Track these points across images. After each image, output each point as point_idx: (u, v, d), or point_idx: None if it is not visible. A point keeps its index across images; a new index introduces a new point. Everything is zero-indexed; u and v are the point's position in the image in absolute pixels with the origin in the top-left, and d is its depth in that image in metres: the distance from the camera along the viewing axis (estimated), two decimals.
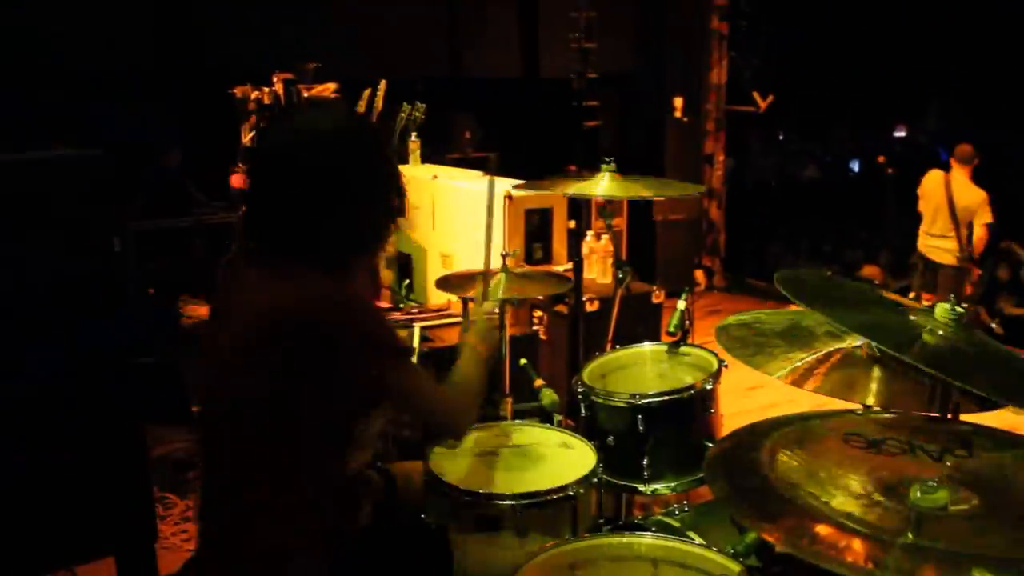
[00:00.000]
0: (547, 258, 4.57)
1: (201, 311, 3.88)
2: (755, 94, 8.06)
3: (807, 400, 2.58)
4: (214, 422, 1.71)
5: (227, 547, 1.65)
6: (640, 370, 2.77)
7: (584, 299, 3.35)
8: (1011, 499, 1.51)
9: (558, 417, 2.75)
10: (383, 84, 5.31)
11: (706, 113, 7.95)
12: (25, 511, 2.11)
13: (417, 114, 5.53)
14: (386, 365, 1.67)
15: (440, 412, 1.84)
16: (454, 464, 2.19)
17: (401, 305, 4.14)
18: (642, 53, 8.07)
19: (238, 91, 5.30)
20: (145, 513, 2.31)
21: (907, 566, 1.30)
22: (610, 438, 2.47)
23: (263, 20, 6.34)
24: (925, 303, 2.22)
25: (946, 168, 6.12)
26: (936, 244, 6.12)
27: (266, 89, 5.21)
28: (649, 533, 1.87)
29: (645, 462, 2.47)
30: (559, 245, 4.46)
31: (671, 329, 2.80)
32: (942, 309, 1.74)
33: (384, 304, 4.18)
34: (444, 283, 2.99)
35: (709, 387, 2.52)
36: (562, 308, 4.01)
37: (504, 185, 3.81)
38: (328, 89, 5.20)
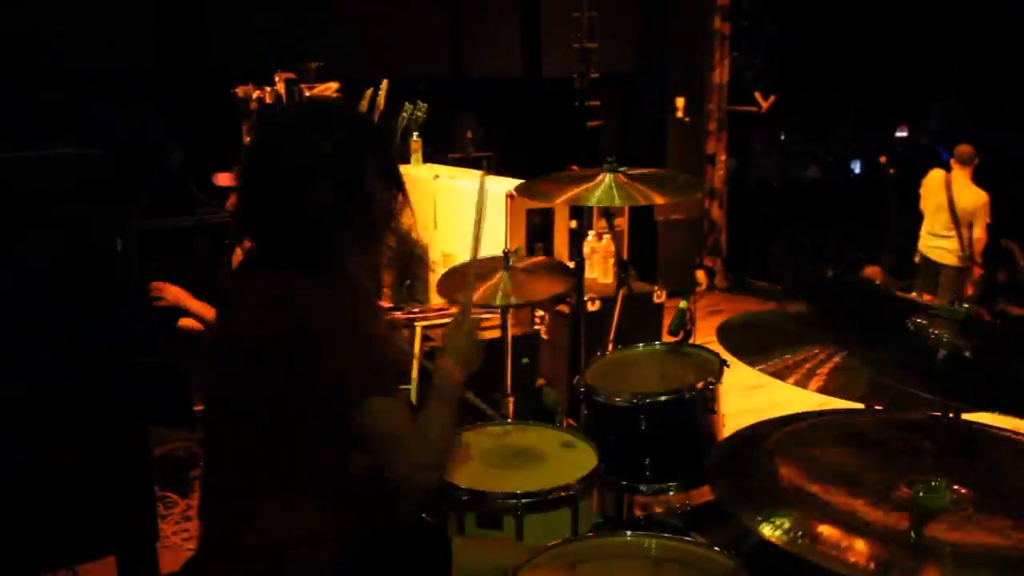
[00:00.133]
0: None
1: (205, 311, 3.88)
2: (757, 94, 8.05)
3: (809, 400, 2.58)
4: (216, 422, 1.71)
5: (228, 546, 1.65)
6: (642, 370, 2.77)
7: (586, 299, 3.35)
8: (1012, 499, 1.51)
9: (560, 416, 2.75)
10: (385, 84, 5.32)
11: (708, 113, 7.94)
12: (26, 510, 2.11)
13: (419, 114, 5.53)
14: (357, 384, 1.55)
15: (399, 461, 1.58)
16: (455, 463, 2.19)
17: (402, 305, 4.14)
18: (644, 53, 8.06)
19: (240, 90, 5.31)
20: (146, 512, 2.31)
21: (910, 565, 1.29)
22: (612, 437, 2.47)
23: (265, 19, 6.34)
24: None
25: (947, 168, 6.11)
26: (937, 244, 6.11)
27: (268, 88, 5.21)
28: (650, 533, 1.87)
29: (647, 462, 2.47)
30: (560, 245, 4.46)
31: (672, 329, 2.80)
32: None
33: (385, 304, 4.18)
34: (445, 283, 2.99)
35: (711, 387, 2.52)
36: (564, 308, 4.01)
37: (506, 185, 3.80)
38: (330, 88, 5.21)
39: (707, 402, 2.52)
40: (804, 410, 2.05)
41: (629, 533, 1.84)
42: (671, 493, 2.53)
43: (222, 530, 1.68)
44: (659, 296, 4.24)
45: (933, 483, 1.40)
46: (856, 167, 14.79)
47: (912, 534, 1.37)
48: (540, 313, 4.13)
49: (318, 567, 1.62)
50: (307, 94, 5.10)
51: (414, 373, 2.96)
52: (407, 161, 5.32)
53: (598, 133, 7.70)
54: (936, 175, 6.13)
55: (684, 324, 2.78)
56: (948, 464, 1.55)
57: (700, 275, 7.83)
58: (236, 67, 5.96)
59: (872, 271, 9.31)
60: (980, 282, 6.19)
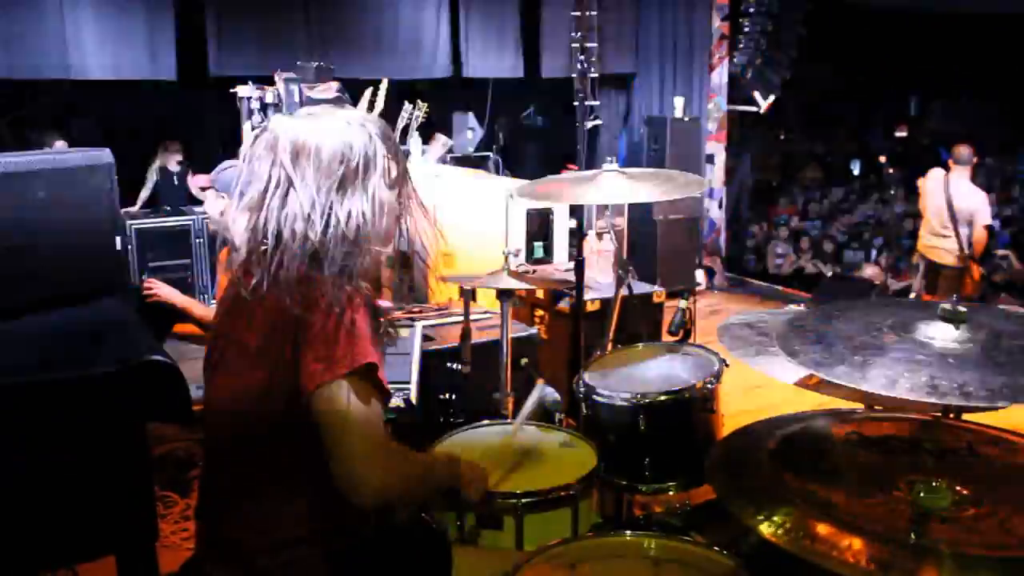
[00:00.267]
0: (548, 257, 4.58)
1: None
2: (756, 94, 8.05)
3: (808, 400, 2.59)
4: (215, 421, 1.71)
5: (227, 546, 1.65)
6: (642, 370, 2.77)
7: (585, 299, 3.35)
8: (1012, 499, 1.51)
9: (560, 416, 2.74)
10: (385, 83, 5.32)
11: (707, 113, 7.95)
12: (26, 510, 2.11)
13: (419, 113, 5.54)
14: (331, 363, 1.51)
15: (350, 457, 1.52)
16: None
17: (402, 305, 4.13)
18: (644, 53, 8.07)
19: (240, 90, 5.31)
20: (146, 512, 2.31)
21: (909, 566, 1.30)
22: (611, 437, 2.46)
23: (265, 19, 6.33)
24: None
25: (946, 168, 6.10)
26: (936, 244, 6.10)
27: (268, 88, 5.22)
28: (650, 532, 1.87)
29: (646, 461, 2.47)
30: (560, 244, 4.46)
31: (672, 329, 2.80)
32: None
33: (385, 303, 4.18)
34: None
35: (710, 387, 2.52)
36: (563, 308, 4.01)
37: (506, 185, 3.80)
38: (330, 88, 5.21)
39: (707, 402, 2.52)
40: (804, 410, 2.06)
41: (629, 533, 1.84)
42: (671, 493, 2.53)
43: (221, 530, 1.68)
44: (658, 296, 4.23)
45: (933, 483, 1.40)
46: (856, 167, 14.82)
47: (912, 534, 1.37)
48: (540, 313, 4.13)
49: (317, 567, 1.62)
50: (307, 93, 5.11)
51: (414, 374, 2.96)
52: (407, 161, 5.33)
53: (598, 133, 7.71)
54: (935, 175, 6.12)
55: (684, 324, 2.78)
56: (948, 464, 1.56)
57: (700, 274, 7.83)
58: (237, 66, 5.97)
59: (871, 271, 9.32)
60: (980, 281, 6.18)
